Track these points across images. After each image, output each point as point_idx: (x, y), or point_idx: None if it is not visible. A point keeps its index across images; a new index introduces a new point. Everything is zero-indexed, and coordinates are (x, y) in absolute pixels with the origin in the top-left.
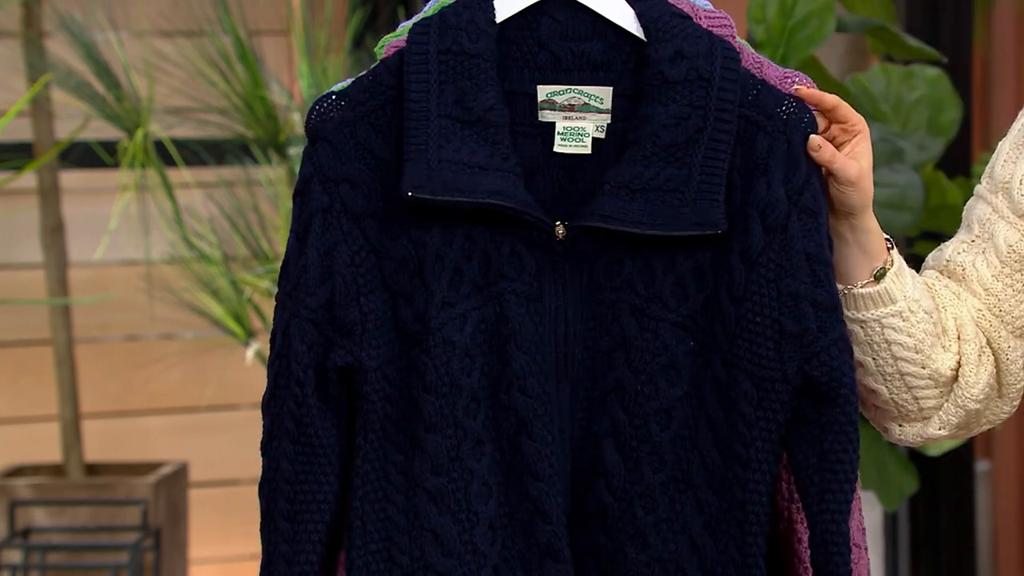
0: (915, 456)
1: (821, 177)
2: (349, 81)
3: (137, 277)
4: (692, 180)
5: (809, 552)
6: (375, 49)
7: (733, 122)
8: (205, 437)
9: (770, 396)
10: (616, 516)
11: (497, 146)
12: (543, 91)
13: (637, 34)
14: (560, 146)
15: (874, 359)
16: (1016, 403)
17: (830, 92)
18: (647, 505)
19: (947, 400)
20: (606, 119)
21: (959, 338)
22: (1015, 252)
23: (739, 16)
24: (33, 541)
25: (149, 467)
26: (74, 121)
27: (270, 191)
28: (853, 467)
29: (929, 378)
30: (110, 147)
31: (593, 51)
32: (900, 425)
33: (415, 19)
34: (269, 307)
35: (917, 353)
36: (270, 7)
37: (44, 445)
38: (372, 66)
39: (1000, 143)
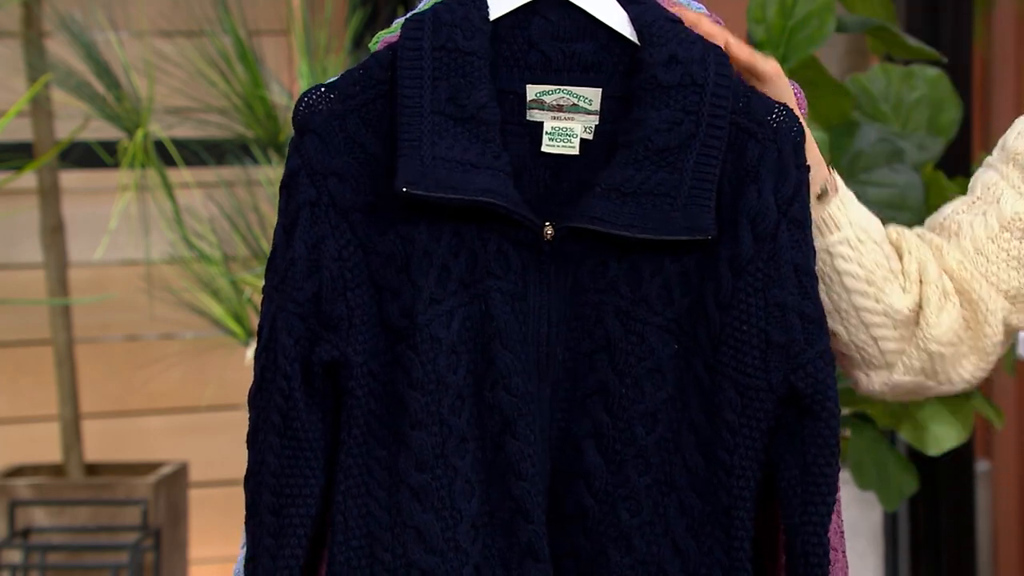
0: (915, 456)
1: (808, 187)
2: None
3: (137, 277)
4: (683, 185)
5: (786, 559)
6: (369, 45)
7: (725, 128)
8: (205, 437)
9: (754, 404)
10: (597, 518)
11: (489, 144)
12: (532, 90)
13: (631, 37)
14: (548, 146)
15: (827, 294)
16: (991, 361)
17: (830, 92)
18: (632, 508)
19: (909, 344)
20: (594, 120)
21: (920, 281)
22: (1021, 221)
23: (739, 16)
24: (33, 541)
25: (149, 467)
26: (74, 121)
27: (270, 191)
28: (834, 480)
29: (884, 314)
30: (110, 147)
31: (584, 52)
32: (867, 374)
33: (409, 15)
34: None
35: (869, 285)
36: (270, 7)
37: (44, 445)
38: (362, 60)
39: (1018, 119)
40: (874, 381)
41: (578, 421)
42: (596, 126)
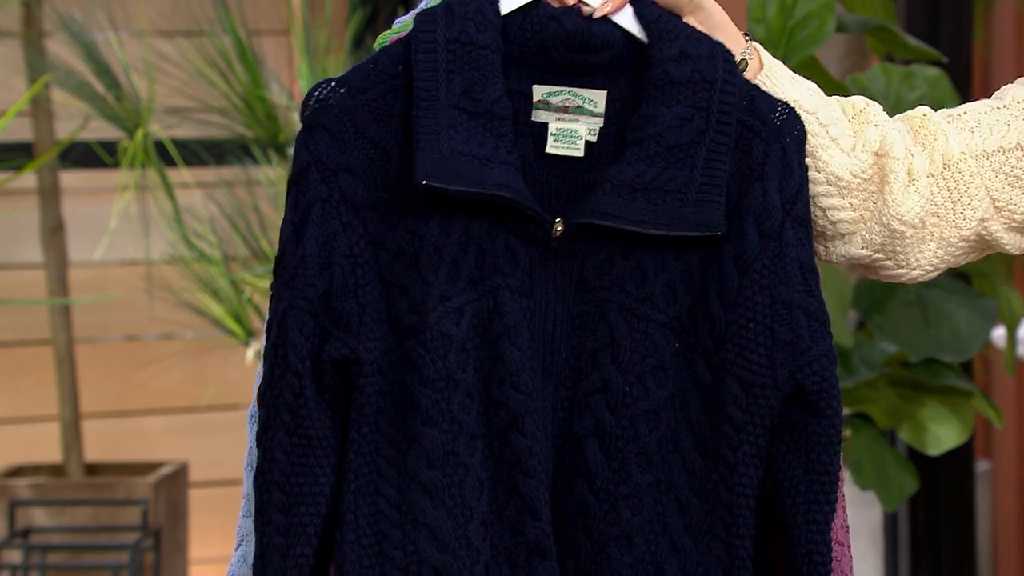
0: (915, 456)
1: (807, 185)
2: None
3: (137, 277)
4: (694, 181)
5: (787, 558)
6: (375, 45)
7: (733, 125)
8: (205, 437)
9: (759, 401)
10: (598, 517)
11: (501, 139)
12: (539, 91)
13: (639, 35)
14: (553, 147)
15: None
16: (953, 256)
17: (830, 92)
18: (633, 506)
19: (869, 217)
20: (599, 123)
21: (880, 154)
22: None
23: (739, 16)
24: (33, 541)
25: (149, 467)
26: (74, 121)
27: (270, 191)
28: (837, 478)
29: (827, 183)
30: (110, 147)
31: (595, 59)
32: (824, 246)
33: (413, 13)
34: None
35: (807, 156)
36: (270, 7)
37: (44, 445)
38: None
39: None
40: (832, 253)
41: (580, 419)
42: (600, 128)
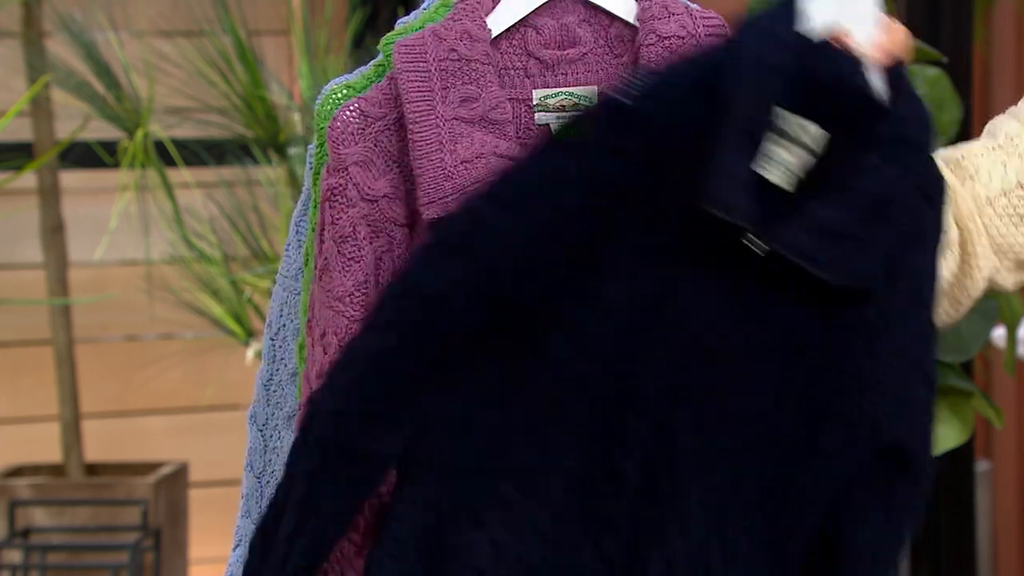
0: None
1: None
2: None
3: (137, 277)
4: (880, 239)
5: None
6: (379, 48)
7: (923, 190)
8: (205, 437)
9: (858, 448)
10: (676, 493)
11: (749, 157)
12: (779, 113)
13: (880, 91)
14: (765, 171)
15: None
16: (961, 312)
17: None
18: (702, 501)
19: None
20: (811, 160)
21: None
22: None
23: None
24: (33, 541)
25: (149, 467)
26: (74, 121)
27: (270, 191)
28: (905, 543)
29: None
30: (110, 147)
31: (840, 96)
32: None
33: (414, 14)
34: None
35: None
36: (270, 7)
37: (44, 445)
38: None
39: None
40: None
41: (680, 411)
42: (812, 165)
